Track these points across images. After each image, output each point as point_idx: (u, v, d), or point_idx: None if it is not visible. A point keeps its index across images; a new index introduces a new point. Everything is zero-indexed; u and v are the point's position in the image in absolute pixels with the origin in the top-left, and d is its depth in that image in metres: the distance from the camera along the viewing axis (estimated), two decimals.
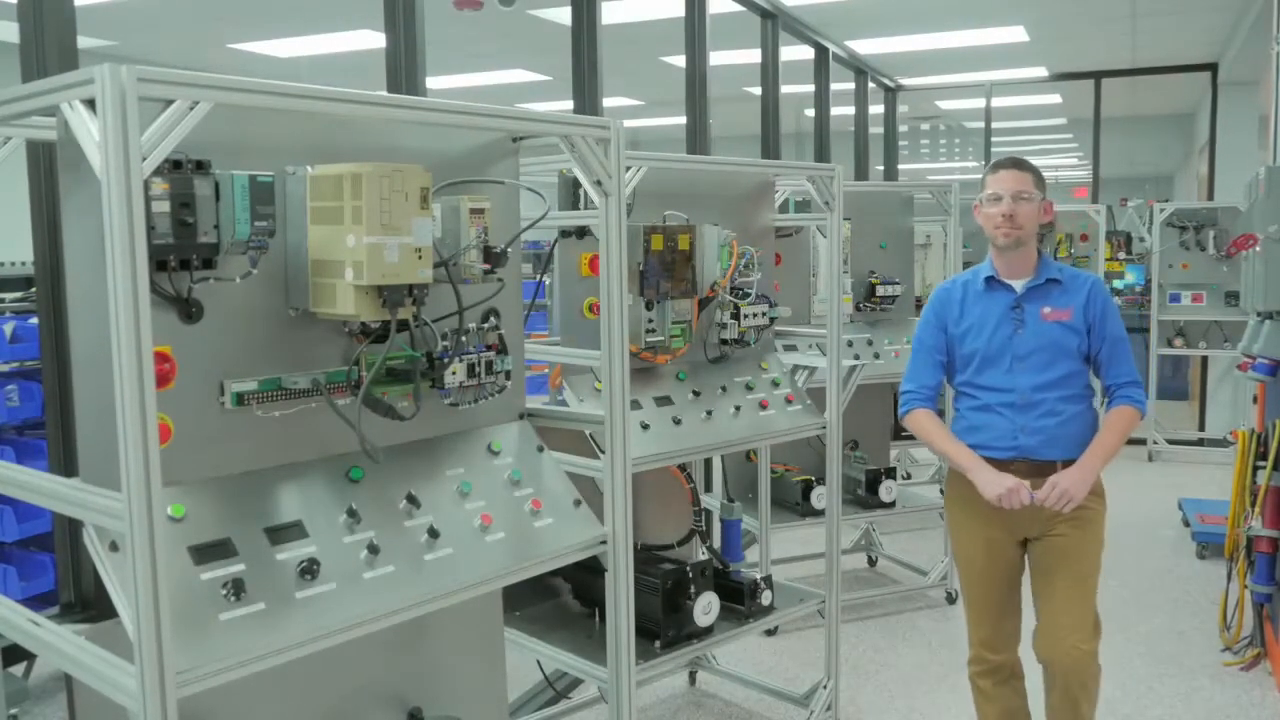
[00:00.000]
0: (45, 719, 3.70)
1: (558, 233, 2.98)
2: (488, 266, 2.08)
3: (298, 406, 1.97)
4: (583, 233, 2.95)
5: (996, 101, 9.60)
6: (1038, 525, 2.83)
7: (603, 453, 2.38)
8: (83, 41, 2.64)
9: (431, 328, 2.08)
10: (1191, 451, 7.86)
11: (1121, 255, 8.89)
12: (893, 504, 4.72)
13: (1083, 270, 2.95)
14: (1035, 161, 2.95)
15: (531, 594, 3.09)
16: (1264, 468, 4.02)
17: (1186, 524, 5.80)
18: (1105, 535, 2.86)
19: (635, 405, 2.87)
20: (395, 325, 1.93)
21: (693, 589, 2.92)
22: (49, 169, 2.61)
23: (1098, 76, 8.97)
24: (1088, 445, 2.83)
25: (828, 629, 3.44)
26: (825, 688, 3.47)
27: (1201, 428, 8.30)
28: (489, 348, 2.20)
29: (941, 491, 4.09)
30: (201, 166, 1.68)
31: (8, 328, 3.90)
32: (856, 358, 4.42)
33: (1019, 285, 2.88)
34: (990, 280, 2.91)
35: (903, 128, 11.61)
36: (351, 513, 1.95)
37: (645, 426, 2.88)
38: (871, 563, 5.49)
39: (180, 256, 1.69)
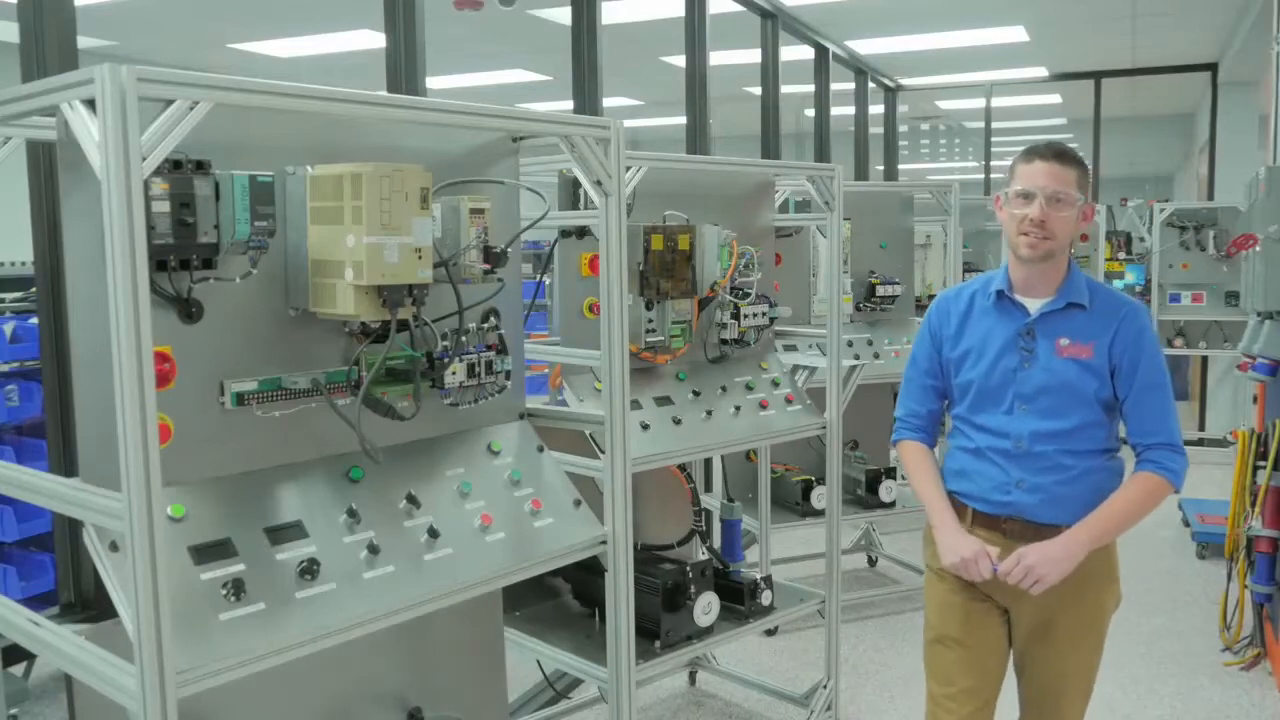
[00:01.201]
0: (45, 719, 3.70)
1: (558, 233, 2.98)
2: (488, 266, 2.08)
3: (298, 406, 1.97)
4: (583, 233, 2.95)
5: (996, 101, 9.61)
6: (1026, 603, 2.33)
7: (603, 453, 2.38)
8: (83, 41, 2.64)
9: (431, 328, 2.08)
10: (1191, 451, 7.76)
11: (1121, 255, 8.90)
12: (893, 504, 4.71)
13: (1121, 294, 2.38)
14: None
15: (531, 594, 3.09)
16: (1264, 468, 4.02)
17: (1186, 524, 5.80)
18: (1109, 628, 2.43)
19: (635, 405, 2.87)
20: (395, 325, 1.93)
21: (693, 589, 2.92)
22: (49, 169, 2.61)
23: (1098, 76, 8.97)
24: None
25: (828, 629, 3.44)
26: (825, 688, 3.47)
27: (1201, 428, 8.30)
28: (489, 348, 2.20)
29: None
30: (201, 166, 1.68)
31: (8, 328, 3.89)
32: (856, 358, 4.42)
33: (1035, 306, 2.31)
34: (1002, 295, 2.35)
35: (903, 128, 11.61)
36: (351, 513, 1.95)
37: (645, 426, 2.88)
38: (871, 563, 5.49)
39: (180, 256, 1.69)
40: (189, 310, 1.80)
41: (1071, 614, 2.33)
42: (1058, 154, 2.25)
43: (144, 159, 1.49)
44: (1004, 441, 2.32)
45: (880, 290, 4.84)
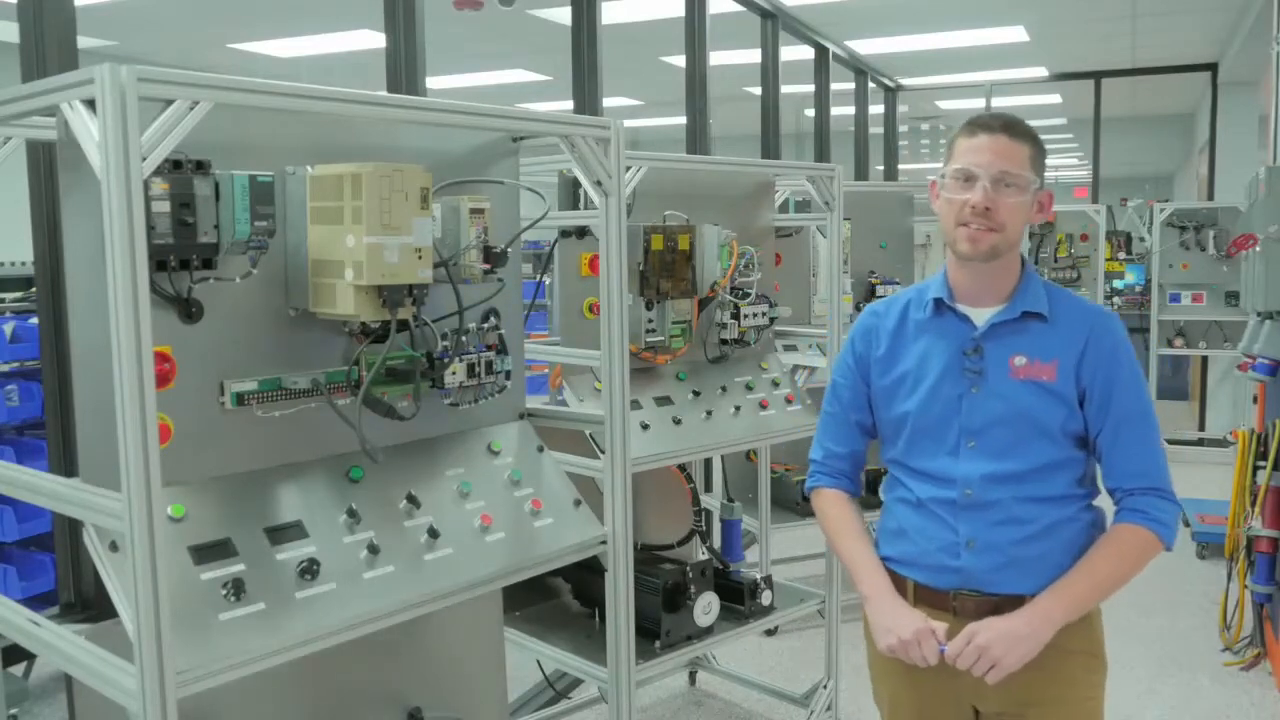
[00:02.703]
0: (45, 719, 3.70)
1: (558, 233, 2.98)
2: (488, 266, 2.08)
3: (298, 406, 1.96)
4: (583, 233, 2.95)
5: (996, 101, 9.61)
6: (995, 694, 1.82)
7: (603, 453, 2.38)
8: (83, 41, 2.64)
9: (431, 328, 2.08)
10: (1191, 451, 7.86)
11: (1121, 255, 8.91)
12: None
13: (1088, 302, 1.95)
14: None
15: (531, 594, 3.08)
16: (1264, 468, 4.02)
17: (1186, 524, 5.80)
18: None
19: (635, 405, 2.87)
20: (395, 325, 1.93)
21: (693, 589, 2.92)
22: (49, 169, 2.61)
23: (1098, 76, 8.98)
24: None
25: (828, 629, 3.44)
26: (825, 688, 3.47)
27: (1201, 428, 8.30)
28: (489, 348, 2.20)
29: None
30: (201, 166, 1.68)
31: (8, 328, 3.90)
32: None
33: (982, 316, 1.87)
34: (940, 305, 1.90)
35: (903, 128, 11.61)
36: (351, 513, 1.94)
37: (645, 426, 2.88)
38: None
39: (180, 256, 1.69)
40: (189, 310, 1.79)
41: (1051, 705, 1.85)
42: (1006, 126, 1.81)
43: (144, 159, 1.49)
44: (949, 490, 1.85)
45: (880, 290, 4.84)
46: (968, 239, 1.80)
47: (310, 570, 1.80)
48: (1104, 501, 1.92)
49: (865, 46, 7.93)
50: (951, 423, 1.86)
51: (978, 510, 1.83)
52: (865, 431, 2.06)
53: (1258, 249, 4.29)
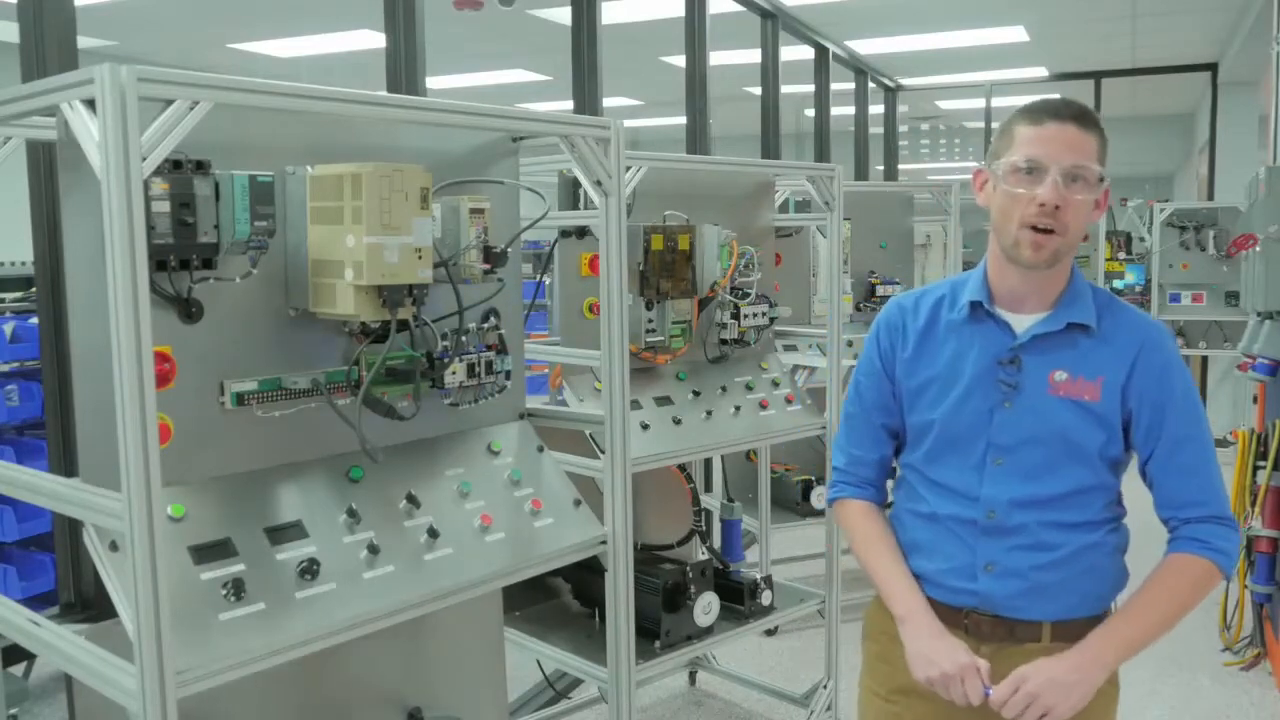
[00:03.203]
0: (45, 719, 3.70)
1: (558, 233, 2.98)
2: (488, 266, 2.07)
3: (298, 406, 1.96)
4: (583, 233, 2.95)
5: (996, 101, 9.61)
6: None
7: (603, 453, 2.38)
8: (83, 41, 2.64)
9: (431, 328, 2.08)
10: None
11: (1121, 255, 8.92)
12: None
13: (1139, 312, 1.77)
14: None
15: (531, 594, 3.08)
16: (1264, 468, 4.02)
17: None
18: None
19: (635, 405, 2.87)
20: (395, 325, 1.93)
21: (693, 589, 2.92)
22: (49, 169, 2.61)
23: (1098, 76, 8.98)
24: (1102, 604, 1.77)
25: (828, 629, 3.44)
26: (825, 688, 3.47)
27: None
28: (489, 348, 2.20)
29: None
30: (201, 166, 1.68)
31: (8, 328, 3.90)
32: (856, 358, 4.41)
33: (1022, 324, 1.72)
34: (978, 308, 1.75)
35: (903, 128, 11.61)
36: (351, 513, 1.94)
37: (645, 426, 2.88)
38: None
39: (180, 256, 1.69)
40: (189, 310, 1.79)
41: None
42: (1077, 115, 1.65)
43: (144, 159, 1.49)
44: (970, 508, 1.73)
45: (880, 290, 4.85)
46: (1032, 244, 1.63)
47: (310, 570, 1.80)
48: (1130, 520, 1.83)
49: (865, 46, 7.93)
50: (979, 437, 1.73)
51: (1000, 534, 1.72)
52: (891, 434, 1.90)
53: (1258, 249, 4.29)
